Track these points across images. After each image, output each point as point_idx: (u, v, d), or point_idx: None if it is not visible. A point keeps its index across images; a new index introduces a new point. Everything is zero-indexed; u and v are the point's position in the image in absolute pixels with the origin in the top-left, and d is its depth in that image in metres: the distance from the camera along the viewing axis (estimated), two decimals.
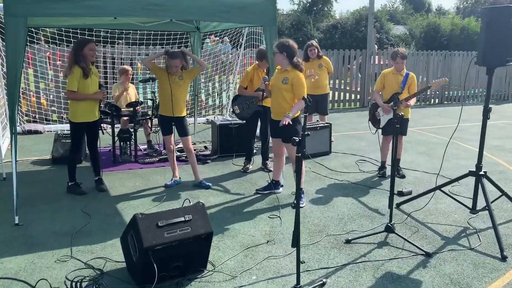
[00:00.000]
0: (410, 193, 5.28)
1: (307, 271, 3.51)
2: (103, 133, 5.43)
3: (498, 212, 4.72)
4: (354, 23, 29.64)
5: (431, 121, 10.69)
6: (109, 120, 6.61)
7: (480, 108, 13.55)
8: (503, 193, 4.51)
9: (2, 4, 4.47)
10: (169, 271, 3.25)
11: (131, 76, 7.23)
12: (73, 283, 3.19)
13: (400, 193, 5.23)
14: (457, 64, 14.54)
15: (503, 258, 3.73)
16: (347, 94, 13.21)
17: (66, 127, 8.67)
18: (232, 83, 10.74)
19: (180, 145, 7.00)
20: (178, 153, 6.57)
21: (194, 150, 5.92)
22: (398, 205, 4.91)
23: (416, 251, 3.84)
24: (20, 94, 7.87)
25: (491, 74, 4.13)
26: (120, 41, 10.10)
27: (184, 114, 5.39)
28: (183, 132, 5.38)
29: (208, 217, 3.42)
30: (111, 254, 3.76)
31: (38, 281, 3.29)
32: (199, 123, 9.58)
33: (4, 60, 5.90)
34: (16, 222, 4.31)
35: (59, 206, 4.84)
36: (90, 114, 5.10)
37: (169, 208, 4.79)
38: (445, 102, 14.44)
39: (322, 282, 3.32)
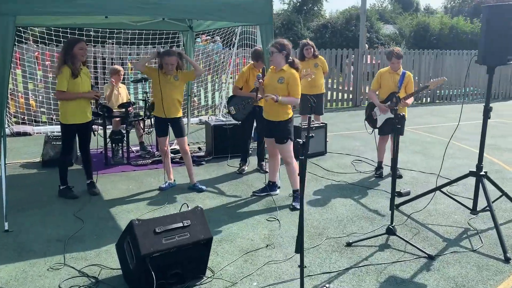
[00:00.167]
0: (408, 193, 5.22)
1: (309, 276, 3.42)
2: (94, 135, 5.29)
3: (497, 212, 4.66)
4: (344, 23, 29.63)
5: (423, 120, 10.68)
6: (100, 121, 6.46)
7: (472, 106, 13.56)
8: (503, 193, 4.47)
9: None
10: (168, 279, 3.14)
11: (122, 76, 7.09)
12: None
13: (399, 194, 5.17)
14: (448, 63, 14.59)
15: (507, 260, 3.68)
16: (340, 94, 13.17)
17: (56, 128, 8.50)
18: (224, 82, 10.62)
19: (174, 146, 6.90)
20: (172, 155, 6.43)
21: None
22: (397, 206, 4.84)
23: (418, 254, 3.77)
24: (8, 95, 7.69)
25: (492, 73, 4.08)
26: (110, 40, 9.90)
27: (180, 114, 5.26)
28: (179, 133, 5.25)
29: (207, 222, 3.32)
30: (106, 261, 3.63)
31: None
32: (192, 124, 9.45)
33: None
34: (6, 228, 4.15)
35: (50, 210, 4.70)
36: (81, 115, 4.96)
37: (165, 212, 4.67)
38: (437, 101, 14.48)
39: (325, 287, 3.23)
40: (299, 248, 2.91)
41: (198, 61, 10.17)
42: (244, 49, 10.37)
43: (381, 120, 5.86)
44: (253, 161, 6.47)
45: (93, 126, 5.51)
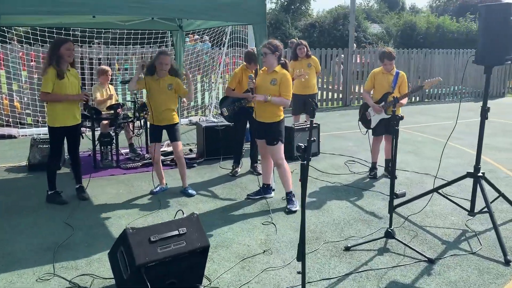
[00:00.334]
0: (404, 194, 5.15)
1: (308, 282, 3.32)
2: (82, 138, 5.13)
3: (495, 214, 4.64)
4: (332, 22, 29.65)
5: (413, 119, 10.68)
6: (88, 124, 6.29)
7: (463, 105, 13.63)
8: (500, 194, 4.44)
9: None
10: None
11: (110, 76, 6.93)
12: None
13: (395, 195, 5.10)
14: (436, 62, 14.66)
15: (507, 263, 3.63)
16: (330, 93, 13.12)
17: (42, 131, 8.31)
18: (214, 82, 10.49)
19: (164, 148, 6.76)
20: (162, 157, 6.30)
21: None
22: (394, 208, 4.78)
23: (418, 257, 3.71)
24: None
25: (489, 73, 4.04)
26: (97, 40, 9.70)
27: (176, 121, 5.13)
28: (174, 137, 5.12)
29: (203, 229, 3.20)
30: (98, 270, 3.50)
31: None
32: (182, 124, 9.30)
33: None
34: None
35: (38, 217, 4.53)
36: (69, 118, 4.80)
37: (157, 217, 4.55)
38: (426, 100, 14.53)
39: None
40: (301, 255, 2.81)
41: (187, 61, 10.02)
42: (234, 49, 10.26)
43: (375, 120, 5.80)
44: (246, 162, 6.36)
45: (81, 129, 5.36)
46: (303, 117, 7.64)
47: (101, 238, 4.06)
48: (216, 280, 3.35)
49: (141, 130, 6.89)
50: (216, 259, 3.67)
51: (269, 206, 4.84)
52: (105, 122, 6.43)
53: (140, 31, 9.05)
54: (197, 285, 3.22)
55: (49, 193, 4.93)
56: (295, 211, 4.69)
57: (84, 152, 6.74)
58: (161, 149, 6.34)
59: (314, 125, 7.07)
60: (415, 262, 3.65)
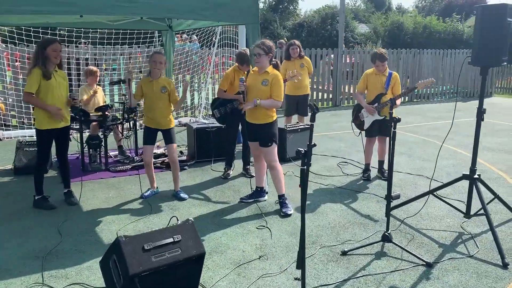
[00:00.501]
0: (398, 197, 5.08)
1: None
2: (70, 140, 4.99)
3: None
4: (320, 22, 29.71)
5: (403, 120, 10.68)
6: (76, 126, 6.14)
7: (452, 105, 13.69)
8: (496, 196, 4.42)
9: None
10: None
11: (98, 77, 6.77)
12: None
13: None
14: (425, 62, 14.73)
15: (505, 266, 3.60)
16: (320, 94, 13.08)
17: (28, 133, 8.11)
18: (204, 83, 10.37)
19: (154, 151, 6.63)
20: (153, 159, 6.16)
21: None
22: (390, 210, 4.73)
23: (416, 261, 3.66)
24: None
25: (485, 74, 4.01)
26: (84, 40, 9.51)
27: (172, 125, 5.03)
28: (170, 140, 5.02)
29: (198, 236, 3.11)
30: (88, 279, 3.38)
31: None
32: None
33: None
34: None
35: (25, 223, 4.38)
36: (58, 120, 4.65)
37: (148, 222, 4.44)
38: (414, 100, 14.59)
39: None
40: (300, 263, 2.74)
41: (176, 61, 9.89)
42: (224, 49, 10.14)
43: (368, 122, 5.75)
44: (237, 164, 6.27)
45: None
46: (295, 118, 7.57)
47: (91, 245, 3.93)
48: None
49: (130, 132, 6.75)
50: (211, 266, 3.58)
51: (263, 210, 4.76)
52: (94, 124, 6.28)
53: (128, 31, 8.89)
54: None
55: (36, 198, 4.78)
56: (290, 214, 4.62)
57: (71, 154, 6.58)
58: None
59: (306, 126, 7.01)
60: (413, 266, 3.60)
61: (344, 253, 3.80)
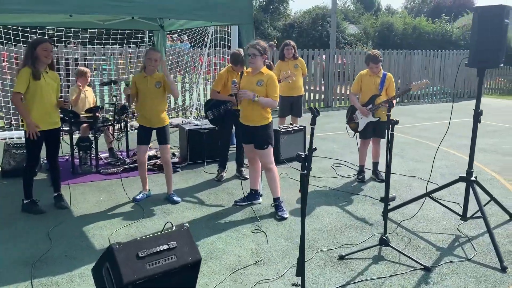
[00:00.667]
0: (393, 199, 5.07)
1: None
2: (59, 142, 4.87)
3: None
4: (311, 22, 29.70)
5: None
6: (65, 127, 6.00)
7: (444, 105, 13.73)
8: (492, 198, 4.40)
9: None
10: None
11: (89, 78, 6.64)
12: None
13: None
14: (416, 63, 14.78)
15: (503, 269, 3.57)
16: (312, 94, 13.05)
17: (15, 134, 7.93)
18: (195, 83, 10.27)
19: (148, 152, 6.52)
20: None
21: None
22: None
23: (414, 265, 3.61)
24: None
25: (482, 76, 3.98)
26: (73, 40, 9.36)
27: (166, 123, 4.93)
28: (163, 140, 4.92)
29: (194, 242, 3.02)
30: (79, 286, 3.27)
31: None
32: None
33: None
34: None
35: (14, 229, 4.26)
36: (47, 121, 4.53)
37: (141, 226, 4.34)
38: (406, 101, 14.63)
39: None
40: (300, 270, 2.67)
41: (168, 61, 9.77)
42: (215, 49, 10.05)
43: (362, 123, 5.71)
44: (231, 166, 6.19)
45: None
46: (288, 119, 7.50)
47: (82, 251, 3.83)
48: None
49: (121, 134, 6.64)
50: (206, 272, 3.50)
51: (258, 213, 4.69)
52: (85, 125, 6.15)
53: (119, 31, 8.76)
54: None
55: (25, 202, 4.66)
56: (286, 218, 4.55)
57: (61, 157, 6.43)
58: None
59: (300, 127, 6.96)
60: (412, 270, 3.55)
61: (341, 258, 3.74)
